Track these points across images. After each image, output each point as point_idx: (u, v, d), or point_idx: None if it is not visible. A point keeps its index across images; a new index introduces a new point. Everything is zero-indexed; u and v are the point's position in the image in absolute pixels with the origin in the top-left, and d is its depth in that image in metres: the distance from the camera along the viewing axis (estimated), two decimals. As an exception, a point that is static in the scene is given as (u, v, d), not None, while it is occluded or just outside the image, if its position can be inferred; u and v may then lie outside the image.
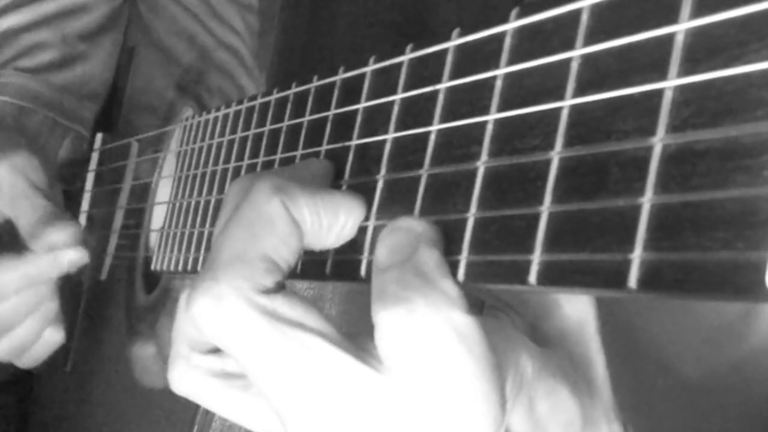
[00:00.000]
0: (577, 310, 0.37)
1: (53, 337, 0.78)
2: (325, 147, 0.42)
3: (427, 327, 0.31)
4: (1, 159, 0.76)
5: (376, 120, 0.38)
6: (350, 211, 0.37)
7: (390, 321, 0.31)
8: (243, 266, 0.34)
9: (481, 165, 0.31)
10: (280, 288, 0.35)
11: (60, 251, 0.73)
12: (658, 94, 0.25)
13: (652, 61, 0.25)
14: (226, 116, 0.57)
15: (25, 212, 0.75)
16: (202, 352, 0.38)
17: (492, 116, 0.31)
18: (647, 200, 0.24)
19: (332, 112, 0.42)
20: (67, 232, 0.73)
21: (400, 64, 0.37)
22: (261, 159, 0.49)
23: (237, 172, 0.53)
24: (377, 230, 0.36)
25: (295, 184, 0.36)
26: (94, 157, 0.95)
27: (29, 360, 0.79)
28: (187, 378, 0.37)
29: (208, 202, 0.58)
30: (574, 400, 0.35)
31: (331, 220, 0.36)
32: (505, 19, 0.31)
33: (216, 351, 0.38)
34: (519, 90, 0.30)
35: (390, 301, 0.32)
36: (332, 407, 0.32)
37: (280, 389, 0.33)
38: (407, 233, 0.34)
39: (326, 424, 0.32)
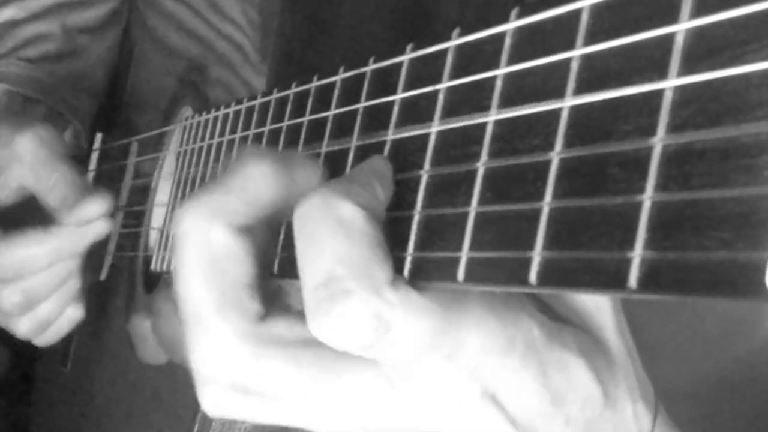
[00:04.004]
0: (591, 297, 0.37)
1: (75, 313, 0.78)
2: (325, 147, 0.42)
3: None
4: (25, 129, 0.75)
5: (376, 120, 0.38)
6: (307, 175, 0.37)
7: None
8: (227, 307, 0.35)
9: (481, 165, 0.31)
10: (266, 305, 0.36)
11: (90, 225, 0.72)
12: (658, 94, 0.25)
13: (652, 61, 0.25)
14: (226, 116, 0.57)
15: (51, 183, 0.73)
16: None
17: (492, 116, 0.31)
18: (647, 200, 0.24)
19: (332, 112, 0.42)
20: (101, 206, 0.72)
21: (400, 64, 0.37)
22: (261, 159, 0.49)
23: (237, 171, 0.53)
24: None
25: (219, 198, 0.36)
26: (94, 156, 0.95)
27: (49, 337, 0.78)
28: (219, 400, 0.37)
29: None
30: (592, 377, 0.35)
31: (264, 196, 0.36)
32: (505, 19, 0.31)
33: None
34: (519, 90, 0.30)
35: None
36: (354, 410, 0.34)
37: (305, 408, 0.35)
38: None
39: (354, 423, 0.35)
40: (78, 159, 0.92)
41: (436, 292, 0.32)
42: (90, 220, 0.71)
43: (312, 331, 0.32)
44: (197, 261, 0.36)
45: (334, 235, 0.31)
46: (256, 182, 0.36)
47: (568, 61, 0.28)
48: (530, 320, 0.34)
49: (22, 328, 0.76)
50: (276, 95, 0.48)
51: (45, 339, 0.79)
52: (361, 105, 0.39)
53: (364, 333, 0.31)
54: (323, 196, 0.32)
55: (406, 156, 0.36)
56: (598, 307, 0.37)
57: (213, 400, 0.37)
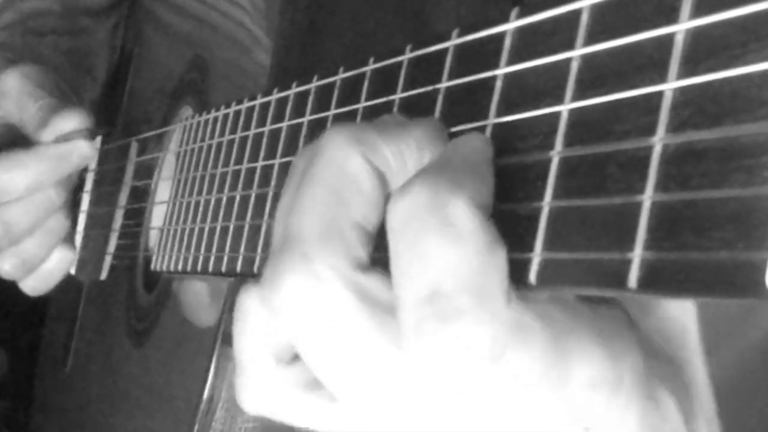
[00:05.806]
0: (678, 311, 0.33)
1: (65, 255, 0.74)
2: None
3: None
4: (12, 68, 0.73)
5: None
6: (434, 143, 0.31)
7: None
8: (336, 239, 0.29)
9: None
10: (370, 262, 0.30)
11: (71, 142, 0.68)
12: (658, 94, 0.25)
13: (652, 61, 0.25)
14: (226, 116, 0.57)
15: (34, 111, 0.70)
16: (287, 361, 0.32)
17: (491, 116, 0.31)
18: (647, 200, 0.24)
19: (332, 111, 0.42)
20: (75, 118, 0.69)
21: (399, 64, 0.37)
22: (261, 159, 0.49)
23: (237, 172, 0.53)
24: None
25: (371, 129, 0.31)
26: (94, 157, 0.95)
27: (38, 282, 0.74)
28: (272, 394, 0.32)
29: (207, 202, 0.58)
30: (678, 409, 0.31)
31: (416, 159, 0.31)
32: (505, 19, 0.31)
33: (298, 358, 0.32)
34: (519, 90, 0.30)
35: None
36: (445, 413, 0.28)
37: (382, 395, 0.29)
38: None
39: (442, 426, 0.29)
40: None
41: (543, 312, 0.28)
42: (66, 131, 0.68)
43: (408, 354, 0.27)
44: (324, 181, 0.30)
45: (440, 239, 0.26)
46: (418, 136, 0.31)
47: (568, 61, 0.28)
48: (638, 353, 0.29)
49: (6, 265, 0.72)
50: (276, 95, 0.48)
51: (33, 284, 0.74)
52: (361, 105, 0.39)
53: (477, 361, 0.26)
54: (429, 188, 0.27)
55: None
56: (683, 326, 0.33)
57: (261, 393, 0.31)
